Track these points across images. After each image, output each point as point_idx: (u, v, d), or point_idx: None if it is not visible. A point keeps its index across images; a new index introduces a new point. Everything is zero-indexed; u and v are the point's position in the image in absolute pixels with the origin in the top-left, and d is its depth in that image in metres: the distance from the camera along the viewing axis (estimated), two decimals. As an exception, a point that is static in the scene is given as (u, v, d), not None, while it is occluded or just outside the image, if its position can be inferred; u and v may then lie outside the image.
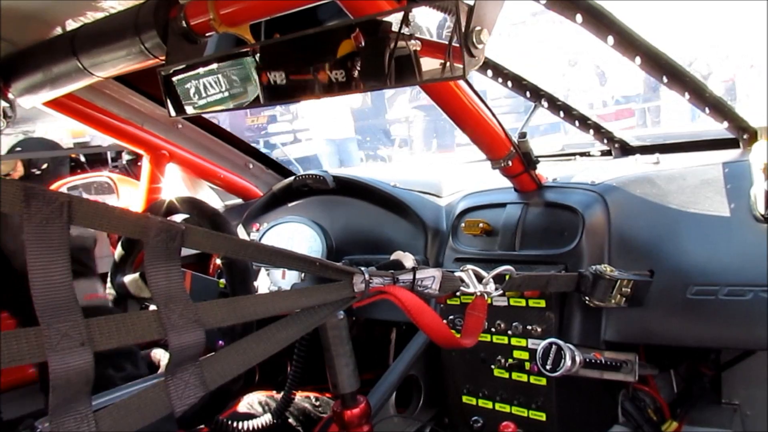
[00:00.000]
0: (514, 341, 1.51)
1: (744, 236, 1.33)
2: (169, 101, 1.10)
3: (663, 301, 1.37)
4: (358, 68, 0.87)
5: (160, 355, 1.48)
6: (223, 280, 1.43)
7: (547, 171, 1.63)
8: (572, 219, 1.49)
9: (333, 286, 0.92)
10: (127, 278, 1.54)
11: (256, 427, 1.43)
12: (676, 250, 1.39)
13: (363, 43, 0.86)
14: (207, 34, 1.04)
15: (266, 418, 1.47)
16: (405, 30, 0.82)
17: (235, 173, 2.27)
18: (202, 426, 1.34)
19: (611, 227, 1.47)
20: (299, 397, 1.67)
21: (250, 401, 1.62)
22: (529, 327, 1.48)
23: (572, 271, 1.39)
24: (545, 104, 1.62)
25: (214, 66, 1.04)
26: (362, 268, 0.94)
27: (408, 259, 1.53)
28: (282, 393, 1.49)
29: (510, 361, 1.52)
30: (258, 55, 0.98)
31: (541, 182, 1.60)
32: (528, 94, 1.60)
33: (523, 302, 1.50)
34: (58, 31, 1.33)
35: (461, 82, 1.20)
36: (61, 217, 0.66)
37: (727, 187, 1.42)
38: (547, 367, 1.36)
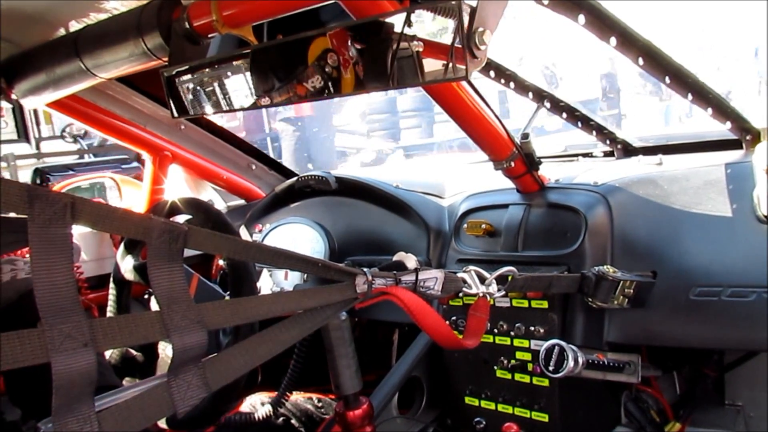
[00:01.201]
0: (516, 342, 1.51)
1: (747, 237, 1.33)
2: (171, 102, 1.10)
3: (666, 302, 1.36)
4: (336, 70, 0.87)
5: (163, 348, 1.49)
6: (228, 295, 1.42)
7: (549, 172, 1.63)
8: (575, 220, 1.49)
9: (336, 287, 0.92)
10: (124, 266, 1.55)
11: (257, 419, 1.43)
12: (678, 251, 1.38)
13: (362, 45, 0.86)
14: (209, 36, 1.04)
15: (264, 411, 1.47)
16: (407, 31, 0.82)
17: (238, 174, 2.27)
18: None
19: (614, 228, 1.46)
20: (302, 398, 1.67)
21: (253, 402, 1.62)
22: (531, 328, 1.48)
23: (575, 272, 1.39)
24: (548, 105, 1.62)
25: (216, 67, 1.04)
26: (365, 269, 0.94)
27: (410, 260, 1.53)
28: (279, 391, 1.48)
29: (513, 362, 1.51)
30: (257, 56, 0.98)
31: (543, 183, 1.60)
32: (530, 95, 1.60)
33: (525, 303, 1.50)
34: (61, 32, 1.33)
35: (463, 83, 1.20)
36: (65, 218, 0.66)
37: (730, 188, 1.42)
38: (550, 369, 1.36)
